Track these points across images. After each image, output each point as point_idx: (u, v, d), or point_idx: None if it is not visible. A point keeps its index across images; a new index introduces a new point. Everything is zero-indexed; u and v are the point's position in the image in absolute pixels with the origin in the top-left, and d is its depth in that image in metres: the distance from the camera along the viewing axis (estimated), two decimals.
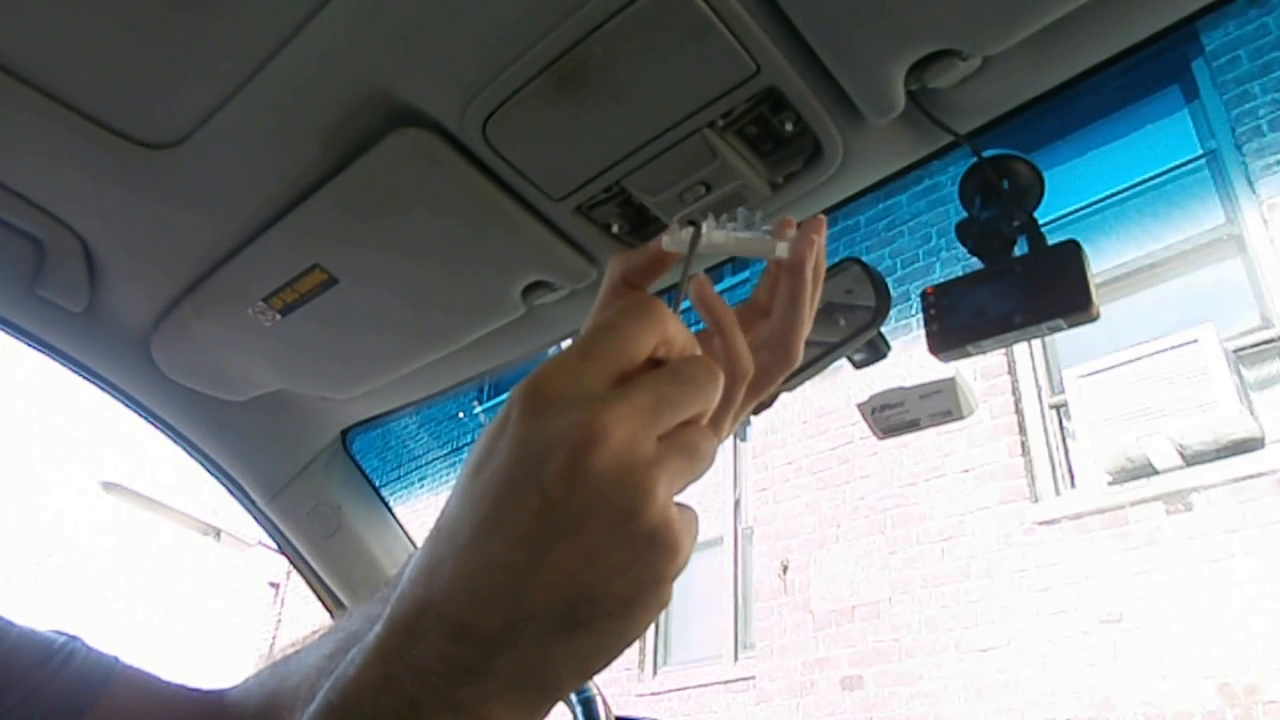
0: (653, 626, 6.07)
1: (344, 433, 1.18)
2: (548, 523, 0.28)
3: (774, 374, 0.43)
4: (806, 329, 0.43)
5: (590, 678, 0.30)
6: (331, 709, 0.30)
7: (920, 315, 0.68)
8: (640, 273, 0.41)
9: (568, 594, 0.28)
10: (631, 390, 0.29)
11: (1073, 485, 4.20)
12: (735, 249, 0.40)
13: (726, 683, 5.29)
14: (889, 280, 0.66)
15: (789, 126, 0.66)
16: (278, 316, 0.88)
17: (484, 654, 0.28)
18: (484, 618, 0.28)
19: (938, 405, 0.75)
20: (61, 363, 0.99)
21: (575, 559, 0.28)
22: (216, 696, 0.64)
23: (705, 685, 5.43)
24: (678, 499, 0.30)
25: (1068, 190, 4.44)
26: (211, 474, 1.17)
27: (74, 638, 0.59)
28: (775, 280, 0.43)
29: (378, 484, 1.23)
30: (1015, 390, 4.49)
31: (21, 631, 0.57)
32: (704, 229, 0.39)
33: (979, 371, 4.49)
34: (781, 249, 0.41)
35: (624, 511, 0.28)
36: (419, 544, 0.35)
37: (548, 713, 0.31)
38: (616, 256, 0.41)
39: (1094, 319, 0.62)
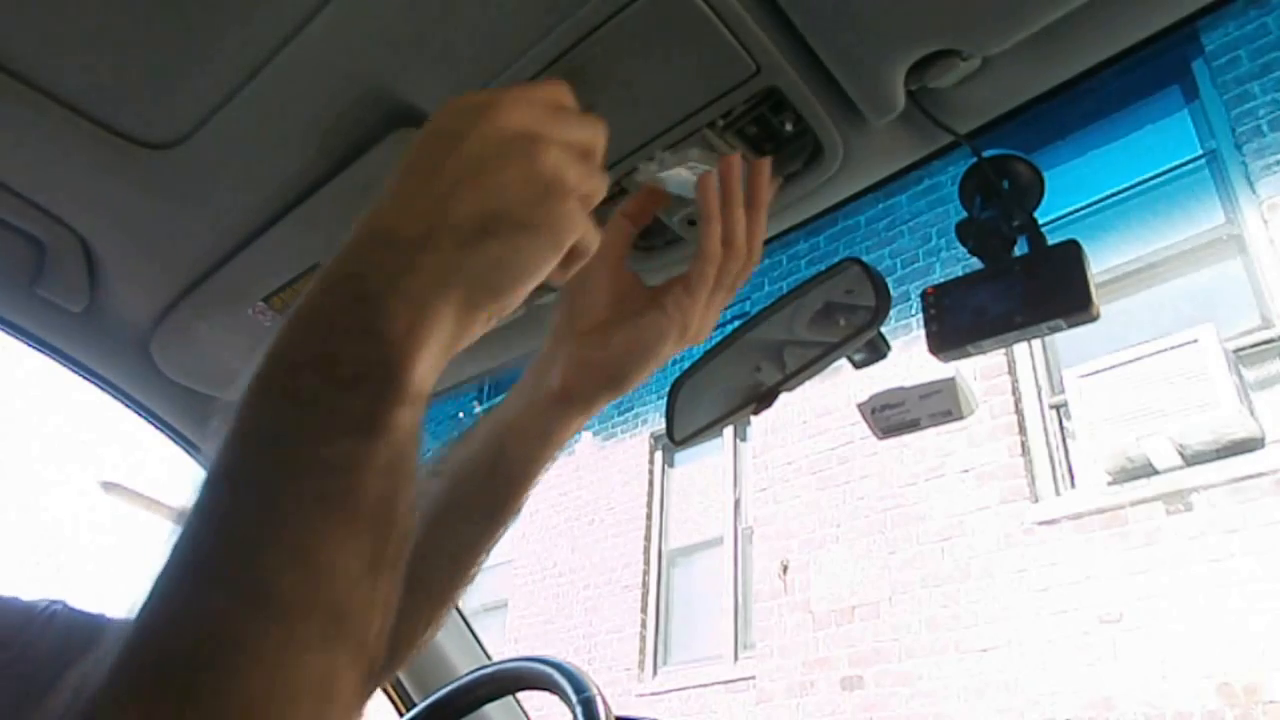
0: (653, 627, 6.08)
1: None
2: (468, 166, 0.37)
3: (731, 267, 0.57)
4: (726, 230, 0.56)
5: (504, 291, 0.38)
6: (292, 315, 0.35)
7: (920, 315, 0.68)
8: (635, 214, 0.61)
9: (478, 209, 0.37)
10: (524, 97, 0.41)
11: (1073, 485, 4.20)
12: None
13: (726, 683, 5.30)
14: (889, 280, 0.66)
15: (789, 126, 0.66)
16: (278, 316, 0.88)
17: (413, 253, 0.36)
18: (409, 225, 0.36)
19: (938, 405, 0.75)
20: (61, 363, 0.99)
21: (487, 190, 0.37)
22: None
23: (705, 685, 5.43)
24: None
25: (1068, 190, 4.44)
26: None
27: (57, 601, 0.60)
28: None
29: None
30: (1015, 390, 4.49)
31: (4, 601, 0.58)
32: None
33: (979, 371, 4.49)
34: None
35: (524, 161, 0.38)
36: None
37: (474, 317, 0.38)
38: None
39: (1094, 319, 0.62)
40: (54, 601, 0.60)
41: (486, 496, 0.57)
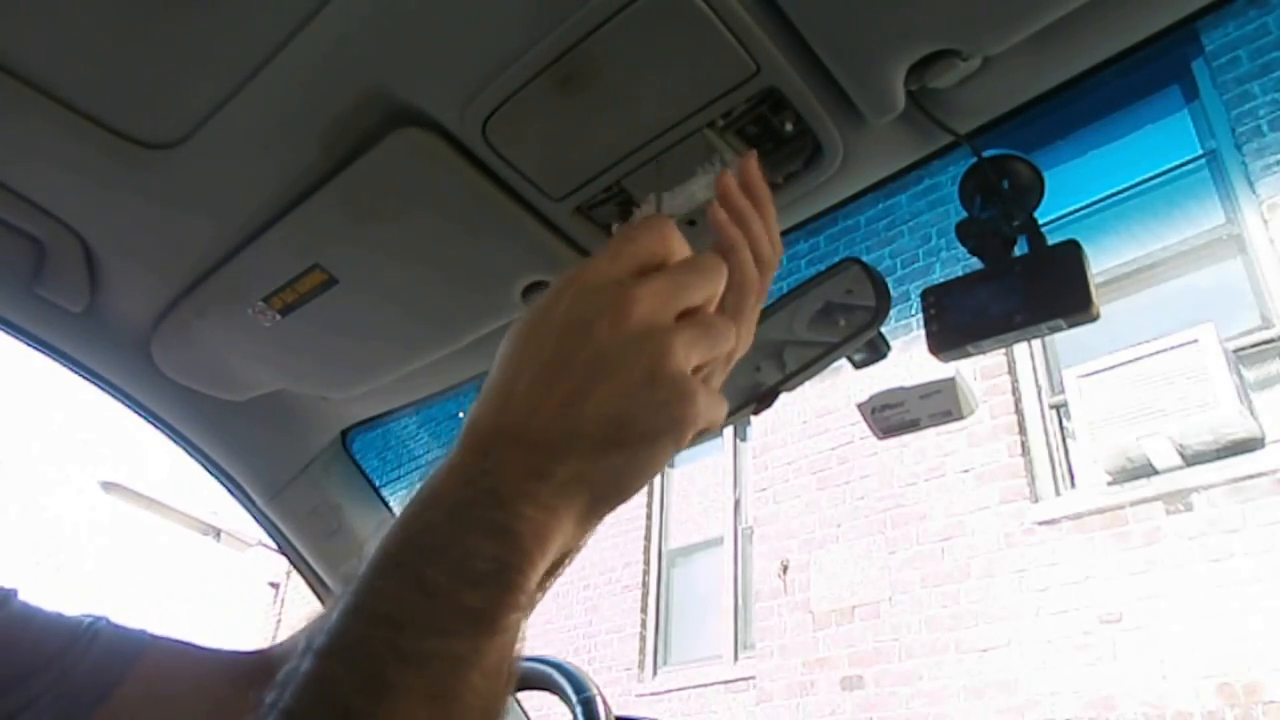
0: (653, 627, 6.08)
1: (344, 433, 1.18)
2: (597, 366, 0.37)
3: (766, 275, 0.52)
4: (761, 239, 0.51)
5: (626, 496, 0.38)
6: (423, 501, 0.36)
7: (920, 315, 0.68)
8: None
9: (610, 418, 0.37)
10: (651, 277, 0.39)
11: (1073, 485, 4.20)
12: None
13: (726, 683, 5.29)
14: (889, 280, 0.66)
15: (789, 126, 0.66)
16: (278, 316, 0.88)
17: (546, 460, 0.36)
18: (547, 432, 0.37)
19: (938, 405, 0.75)
20: (61, 363, 0.99)
21: (616, 394, 0.37)
22: (259, 655, 0.65)
23: (705, 685, 5.43)
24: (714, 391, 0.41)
25: (1068, 190, 4.44)
26: (211, 474, 1.17)
27: (100, 618, 0.60)
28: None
29: (378, 484, 1.23)
30: (1015, 390, 4.49)
31: (48, 616, 0.58)
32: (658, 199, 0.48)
33: (979, 371, 4.49)
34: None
35: (651, 361, 0.37)
36: None
37: (593, 521, 0.38)
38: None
39: (1094, 319, 0.62)
40: (97, 618, 0.60)
41: None
